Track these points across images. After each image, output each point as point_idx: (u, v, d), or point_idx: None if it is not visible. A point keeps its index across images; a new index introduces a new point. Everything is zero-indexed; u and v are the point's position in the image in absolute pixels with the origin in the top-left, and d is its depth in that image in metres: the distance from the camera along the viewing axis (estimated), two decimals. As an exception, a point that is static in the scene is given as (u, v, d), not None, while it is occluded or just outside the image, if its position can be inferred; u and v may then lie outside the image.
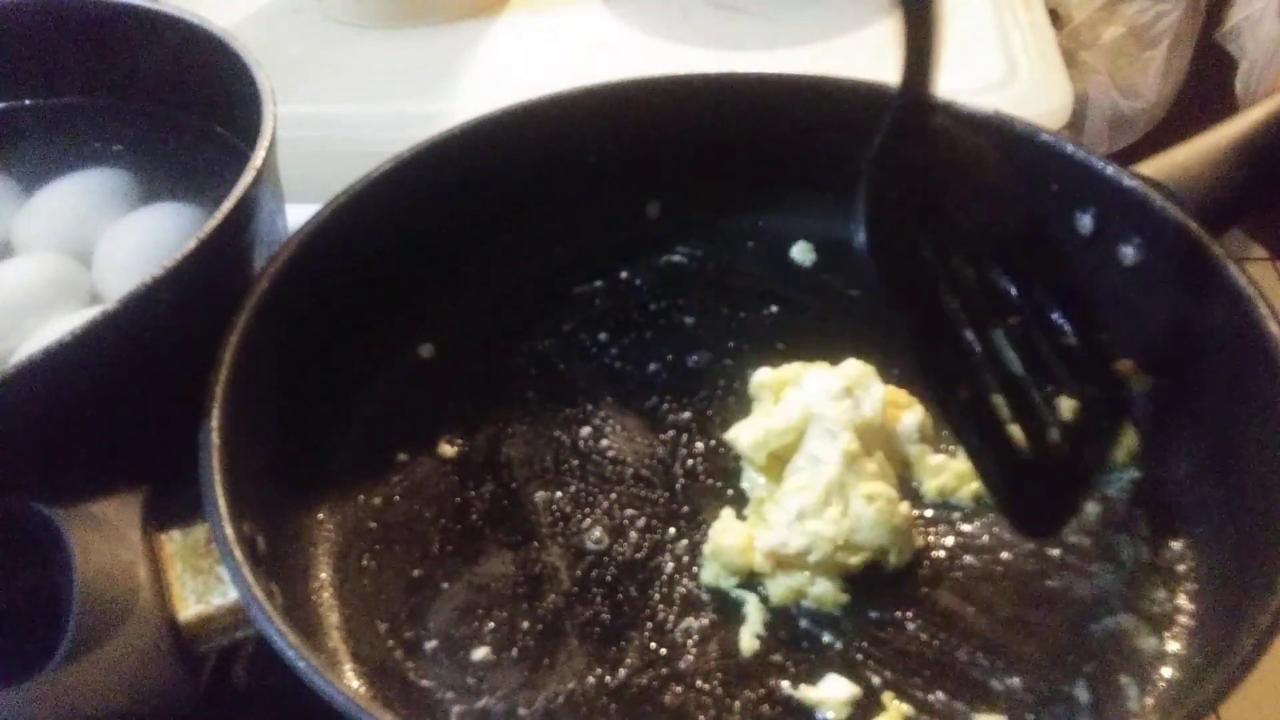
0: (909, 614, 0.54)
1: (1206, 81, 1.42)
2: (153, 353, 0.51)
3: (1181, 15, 1.35)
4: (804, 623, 0.55)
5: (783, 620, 0.55)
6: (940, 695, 0.51)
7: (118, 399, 0.51)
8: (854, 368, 0.61)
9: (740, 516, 0.59)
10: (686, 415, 0.64)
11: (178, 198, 0.66)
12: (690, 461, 0.62)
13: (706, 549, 0.57)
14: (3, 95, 0.70)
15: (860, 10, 0.98)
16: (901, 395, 0.62)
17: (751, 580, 0.56)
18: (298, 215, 0.63)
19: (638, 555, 0.58)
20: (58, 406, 0.49)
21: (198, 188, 0.65)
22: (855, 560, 0.55)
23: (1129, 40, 1.35)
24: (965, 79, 0.87)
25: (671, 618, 0.55)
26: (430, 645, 0.54)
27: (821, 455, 0.57)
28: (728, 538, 0.57)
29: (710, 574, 0.57)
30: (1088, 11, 1.32)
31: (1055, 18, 1.27)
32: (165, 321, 0.50)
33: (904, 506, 0.57)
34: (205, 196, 0.65)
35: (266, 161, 0.56)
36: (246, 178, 0.54)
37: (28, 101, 0.70)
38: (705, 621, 0.55)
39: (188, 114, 0.68)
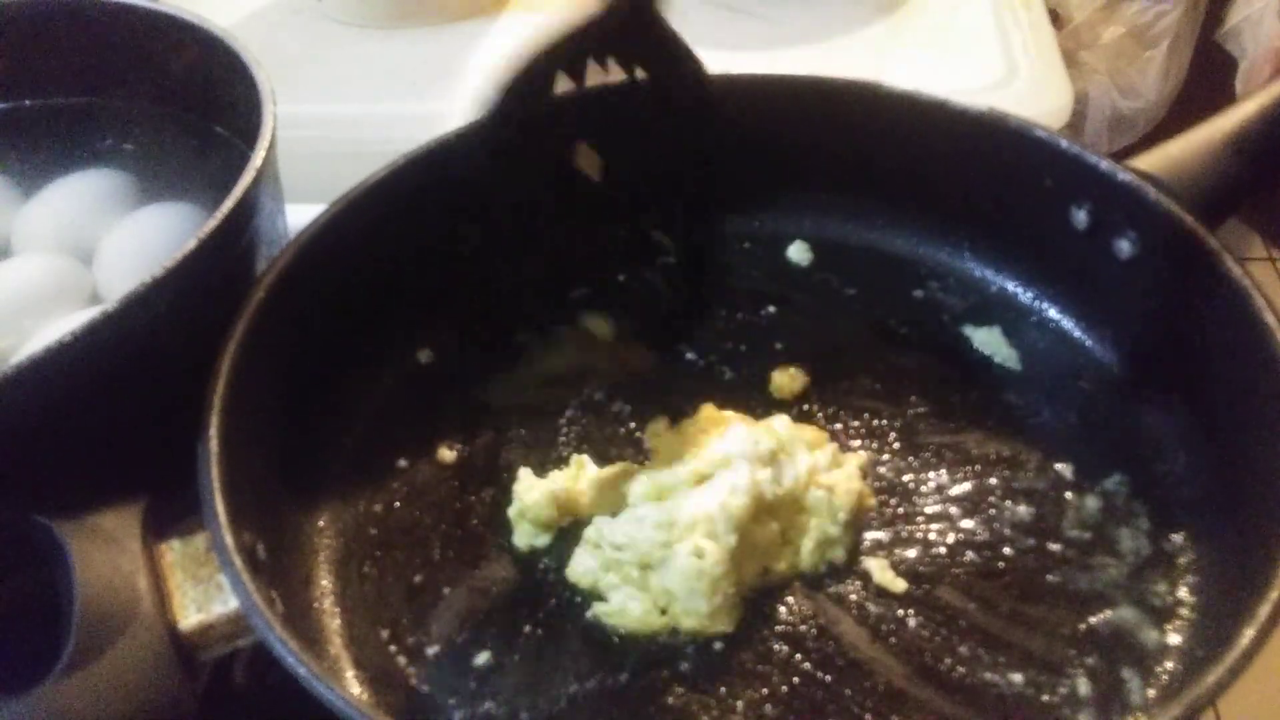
0: (910, 611, 0.54)
1: (1206, 81, 1.42)
2: (153, 353, 0.51)
3: (1181, 15, 1.35)
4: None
5: (783, 619, 0.55)
6: (943, 692, 0.51)
7: (118, 400, 0.51)
8: (785, 428, 0.59)
9: (539, 474, 0.59)
10: (687, 416, 0.64)
11: (178, 198, 0.66)
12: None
13: (511, 512, 0.58)
14: (3, 95, 0.70)
15: (860, 10, 0.99)
16: (828, 456, 0.59)
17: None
18: (298, 215, 0.63)
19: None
20: (58, 407, 0.49)
21: (198, 188, 0.65)
22: (654, 584, 0.54)
23: (1129, 40, 1.35)
24: (965, 79, 0.88)
25: (673, 618, 0.55)
26: (432, 651, 0.54)
27: (713, 501, 0.54)
28: (532, 494, 0.57)
29: (522, 537, 0.57)
30: (1088, 11, 1.33)
31: (1055, 18, 1.27)
32: (165, 321, 0.50)
33: (726, 584, 0.53)
34: (205, 196, 0.64)
35: (266, 161, 0.56)
36: (246, 178, 0.54)
37: (28, 101, 0.70)
38: (707, 622, 0.55)
39: (188, 114, 0.68)
